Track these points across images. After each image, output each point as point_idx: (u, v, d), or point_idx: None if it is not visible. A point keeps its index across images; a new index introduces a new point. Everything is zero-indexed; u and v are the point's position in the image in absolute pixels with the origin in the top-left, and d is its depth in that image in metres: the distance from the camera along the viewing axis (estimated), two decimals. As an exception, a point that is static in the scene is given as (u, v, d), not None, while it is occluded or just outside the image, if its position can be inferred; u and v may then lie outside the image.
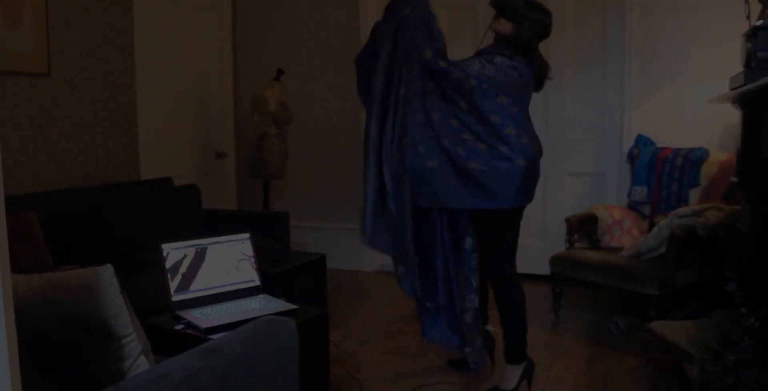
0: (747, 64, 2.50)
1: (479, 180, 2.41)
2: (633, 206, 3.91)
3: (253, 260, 2.50)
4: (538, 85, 2.59)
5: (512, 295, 2.57)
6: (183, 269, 2.32)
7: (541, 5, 2.51)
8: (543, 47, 2.65)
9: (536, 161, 2.51)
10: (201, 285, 2.35)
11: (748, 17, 2.73)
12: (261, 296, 2.44)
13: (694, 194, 3.63)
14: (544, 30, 2.51)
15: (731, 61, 3.09)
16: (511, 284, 2.57)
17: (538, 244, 4.33)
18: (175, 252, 2.31)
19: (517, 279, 2.60)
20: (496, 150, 2.41)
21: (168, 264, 2.28)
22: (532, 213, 2.61)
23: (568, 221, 3.70)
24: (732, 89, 2.64)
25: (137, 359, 1.43)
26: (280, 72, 4.41)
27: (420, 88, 2.44)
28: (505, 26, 2.50)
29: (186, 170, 4.41)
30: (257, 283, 2.49)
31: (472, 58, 2.51)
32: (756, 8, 2.65)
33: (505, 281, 2.56)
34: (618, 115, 4.15)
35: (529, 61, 2.50)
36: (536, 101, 2.77)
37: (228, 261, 2.44)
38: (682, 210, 3.19)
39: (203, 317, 2.18)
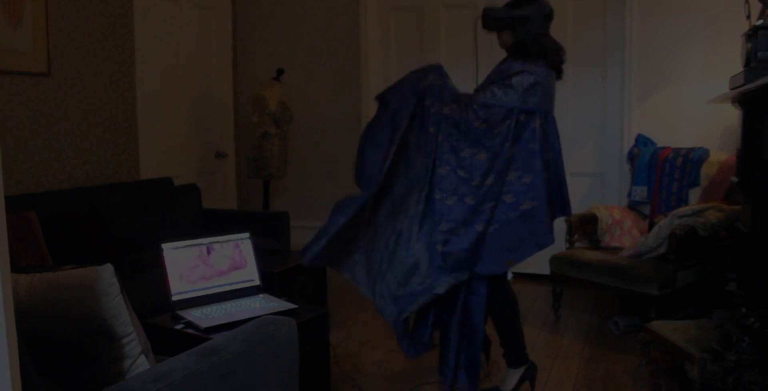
0: (747, 64, 2.50)
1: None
2: (633, 206, 3.91)
3: (253, 259, 2.50)
4: (558, 74, 2.52)
5: (504, 301, 2.54)
6: (183, 268, 2.32)
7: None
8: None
9: None
10: (201, 285, 2.35)
11: (749, 17, 2.73)
12: (261, 295, 2.44)
13: (695, 194, 3.63)
14: (544, 17, 2.40)
15: (731, 61, 3.10)
16: (502, 291, 2.54)
17: (538, 244, 4.33)
18: (174, 252, 2.31)
19: (508, 285, 2.59)
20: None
21: (168, 264, 2.28)
22: (532, 213, 2.61)
23: (568, 220, 3.69)
24: (732, 89, 2.64)
25: (137, 359, 1.43)
26: (280, 72, 4.40)
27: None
28: (506, 37, 2.44)
29: (186, 170, 4.41)
30: (257, 282, 2.49)
31: (484, 88, 2.39)
32: (756, 8, 2.66)
33: (495, 288, 2.52)
34: (618, 115, 4.14)
35: (548, 62, 2.41)
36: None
37: (228, 261, 2.44)
38: (682, 210, 3.19)
39: (203, 317, 2.18)
